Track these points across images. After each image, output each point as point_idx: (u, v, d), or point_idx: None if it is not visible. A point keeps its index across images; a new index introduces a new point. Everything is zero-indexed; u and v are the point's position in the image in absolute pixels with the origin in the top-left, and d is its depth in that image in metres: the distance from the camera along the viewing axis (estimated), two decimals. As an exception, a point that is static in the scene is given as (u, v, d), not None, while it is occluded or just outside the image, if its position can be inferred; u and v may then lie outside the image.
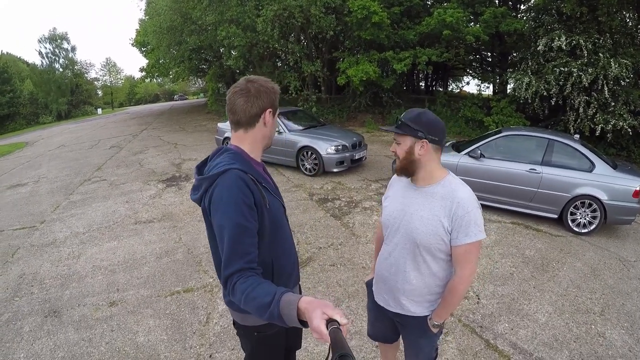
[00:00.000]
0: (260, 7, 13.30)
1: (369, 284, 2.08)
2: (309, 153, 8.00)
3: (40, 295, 3.93)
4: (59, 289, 4.02)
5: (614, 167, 5.51)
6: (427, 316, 1.80)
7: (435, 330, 1.80)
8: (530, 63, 11.55)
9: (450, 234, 1.62)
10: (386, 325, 2.03)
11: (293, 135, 8.29)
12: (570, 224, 5.49)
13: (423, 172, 1.69)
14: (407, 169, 1.69)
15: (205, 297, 3.74)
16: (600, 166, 5.38)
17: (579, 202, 5.40)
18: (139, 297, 3.76)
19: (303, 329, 1.86)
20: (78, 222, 5.89)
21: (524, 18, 13.24)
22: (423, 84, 26.73)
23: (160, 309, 3.56)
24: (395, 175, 1.94)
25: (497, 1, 15.04)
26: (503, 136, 6.17)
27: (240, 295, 1.23)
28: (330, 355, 0.92)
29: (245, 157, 1.48)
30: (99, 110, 44.96)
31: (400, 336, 2.03)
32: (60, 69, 45.86)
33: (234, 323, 1.66)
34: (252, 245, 1.34)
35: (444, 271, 1.73)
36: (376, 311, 2.02)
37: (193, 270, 4.27)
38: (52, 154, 12.89)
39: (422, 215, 1.66)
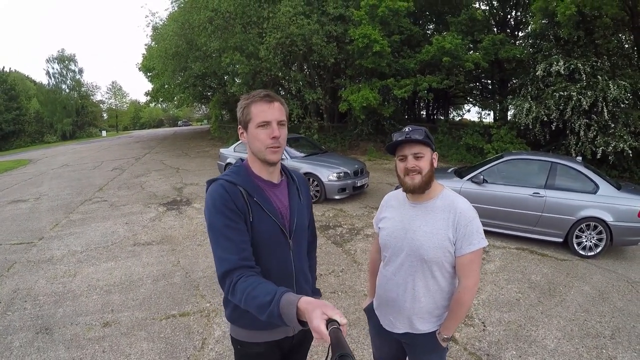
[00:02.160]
0: (263, 35, 13.61)
1: (368, 309, 2.02)
2: (311, 180, 7.98)
3: (33, 311, 3.85)
4: (53, 306, 3.94)
5: (618, 187, 5.45)
6: (435, 331, 1.75)
7: (444, 345, 1.75)
8: (529, 89, 11.72)
9: (454, 245, 1.61)
10: (392, 347, 1.96)
11: (295, 162, 8.31)
12: (576, 247, 5.39)
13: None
14: (429, 182, 1.66)
15: (201, 322, 3.62)
16: (604, 187, 5.33)
17: (584, 224, 5.32)
18: (134, 319, 3.65)
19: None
20: (76, 241, 5.84)
21: (522, 44, 13.54)
22: (424, 113, 27.10)
23: (155, 332, 3.45)
24: (386, 197, 1.92)
25: (495, 29, 15.39)
26: (505, 161, 6.15)
27: (240, 295, 1.21)
28: (330, 355, 0.91)
29: (247, 170, 1.48)
30: (104, 133, 45.53)
31: (407, 354, 1.95)
32: (67, 90, 46.56)
33: (230, 333, 1.61)
34: (245, 243, 1.33)
35: (449, 284, 1.71)
36: (381, 335, 1.94)
37: (190, 294, 4.16)
38: (54, 173, 12.97)
39: (426, 231, 1.64)
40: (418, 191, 1.65)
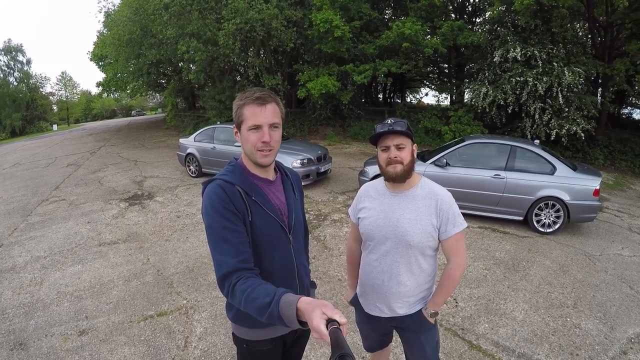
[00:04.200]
0: (221, 21, 13.21)
1: (354, 301, 2.07)
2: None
3: (3, 326, 3.62)
4: (23, 318, 3.72)
5: (574, 168, 5.81)
6: (421, 309, 1.84)
7: (432, 320, 1.83)
8: (487, 74, 12.08)
9: (438, 230, 1.71)
10: (379, 332, 2.05)
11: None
12: (536, 225, 5.72)
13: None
14: (410, 172, 1.73)
15: (180, 320, 3.57)
16: (561, 168, 5.66)
17: (542, 203, 5.65)
18: (110, 324, 3.54)
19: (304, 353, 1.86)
20: (38, 246, 5.52)
21: (480, 31, 13.87)
22: (381, 96, 27.42)
23: (134, 335, 3.37)
24: (364, 188, 1.96)
25: (453, 15, 15.69)
26: (467, 144, 6.37)
27: (240, 297, 1.21)
28: (330, 355, 0.92)
29: (243, 170, 1.47)
30: (55, 127, 42.81)
31: (400, 338, 2.03)
32: (15, 83, 43.41)
33: (233, 333, 1.62)
34: (244, 244, 1.33)
35: (431, 267, 1.82)
36: (368, 323, 2.01)
37: (165, 293, 4.08)
38: (6, 173, 12.13)
39: (410, 218, 1.71)
40: (399, 180, 1.73)
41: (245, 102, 1.39)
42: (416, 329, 1.86)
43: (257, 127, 1.38)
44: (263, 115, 1.38)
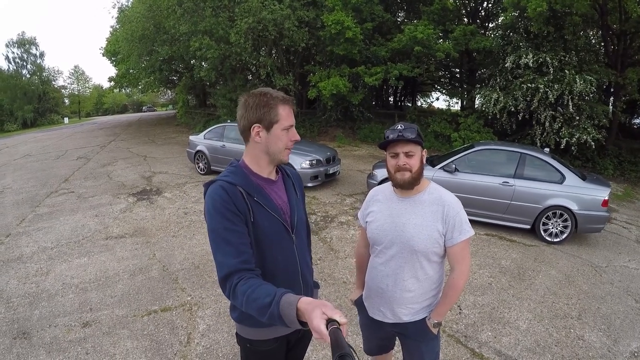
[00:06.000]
0: (234, 19, 13.27)
1: (358, 303, 2.06)
2: (283, 168, 7.95)
3: (7, 315, 3.65)
4: (28, 308, 3.75)
5: (583, 178, 5.76)
6: (425, 318, 1.82)
7: (435, 331, 1.82)
8: (498, 79, 12.00)
9: (444, 236, 1.69)
10: (381, 336, 2.04)
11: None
12: (543, 234, 5.68)
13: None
14: (418, 178, 1.71)
15: (184, 316, 3.59)
16: (570, 178, 5.62)
17: (550, 212, 5.60)
18: (114, 317, 3.57)
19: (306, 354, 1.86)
20: (45, 237, 5.58)
21: (492, 36, 13.80)
22: (392, 99, 27.40)
23: (138, 329, 3.39)
24: (372, 192, 1.95)
25: (466, 19, 15.62)
26: (476, 151, 6.34)
27: (241, 298, 1.22)
28: (330, 355, 0.92)
29: (245, 170, 1.47)
30: (66, 120, 43.40)
31: (400, 345, 2.03)
32: (28, 75, 44.27)
33: (237, 332, 1.62)
34: (245, 245, 1.33)
35: (437, 273, 1.80)
36: (371, 326, 2.00)
37: (170, 288, 4.10)
38: (17, 164, 12.28)
39: (416, 223, 1.70)
40: (407, 187, 1.71)
41: (279, 103, 1.41)
42: (418, 338, 1.85)
43: (290, 127, 1.44)
44: (293, 116, 1.47)
